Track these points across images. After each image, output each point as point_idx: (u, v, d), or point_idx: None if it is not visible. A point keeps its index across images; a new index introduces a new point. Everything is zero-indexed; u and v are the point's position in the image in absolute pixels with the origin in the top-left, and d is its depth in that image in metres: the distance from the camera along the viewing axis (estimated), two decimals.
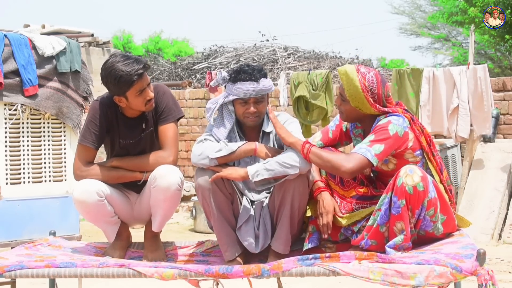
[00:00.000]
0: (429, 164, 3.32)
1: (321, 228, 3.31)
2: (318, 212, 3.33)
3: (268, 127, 3.49)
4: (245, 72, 3.37)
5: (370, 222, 3.19)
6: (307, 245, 3.35)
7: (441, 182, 3.31)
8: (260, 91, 3.38)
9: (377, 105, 3.27)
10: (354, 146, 3.50)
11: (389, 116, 3.25)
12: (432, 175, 3.29)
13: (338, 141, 3.56)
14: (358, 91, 3.24)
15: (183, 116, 3.74)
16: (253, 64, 3.55)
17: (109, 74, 3.42)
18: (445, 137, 7.72)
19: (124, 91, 3.44)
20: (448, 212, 3.22)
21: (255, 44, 13.08)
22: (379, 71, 3.36)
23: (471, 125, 7.33)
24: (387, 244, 3.11)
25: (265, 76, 3.42)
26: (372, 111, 3.28)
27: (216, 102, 3.45)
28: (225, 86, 3.50)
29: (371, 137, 3.19)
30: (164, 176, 3.43)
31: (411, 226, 3.13)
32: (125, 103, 3.50)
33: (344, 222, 3.32)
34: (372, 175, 3.50)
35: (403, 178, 3.07)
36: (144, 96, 3.47)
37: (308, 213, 3.38)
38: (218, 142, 3.40)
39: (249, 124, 3.45)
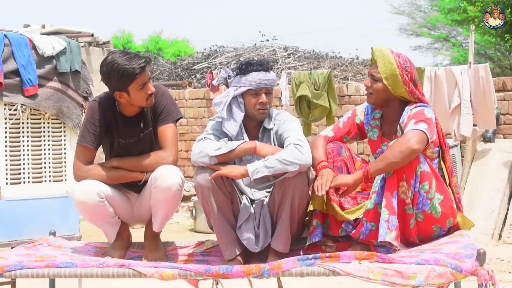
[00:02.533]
0: (442, 163, 3.34)
1: (316, 187, 3.23)
2: (318, 181, 3.25)
3: (269, 124, 3.50)
4: (256, 63, 3.44)
5: (367, 207, 3.20)
6: (311, 239, 3.34)
7: (449, 185, 3.32)
8: (272, 80, 3.44)
9: (410, 83, 3.29)
10: (369, 138, 3.51)
11: (419, 106, 3.29)
12: (443, 176, 3.30)
13: (347, 134, 3.56)
14: (393, 68, 3.28)
15: (182, 117, 3.75)
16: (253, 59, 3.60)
17: (111, 68, 3.43)
18: (448, 135, 7.73)
19: (126, 86, 3.45)
20: (445, 192, 3.23)
21: (255, 44, 13.07)
22: None
23: (474, 124, 7.35)
24: (380, 226, 3.08)
25: (272, 68, 3.48)
26: (403, 91, 3.30)
27: (228, 95, 3.45)
28: (226, 85, 3.51)
29: (412, 121, 3.20)
30: (165, 176, 3.43)
31: (408, 201, 3.13)
32: (126, 98, 3.50)
33: (350, 216, 3.30)
34: None
35: None
36: (145, 90, 3.48)
37: (311, 207, 3.37)
38: (230, 136, 3.40)
39: (259, 117, 3.46)
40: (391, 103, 3.38)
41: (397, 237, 3.10)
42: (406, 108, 3.31)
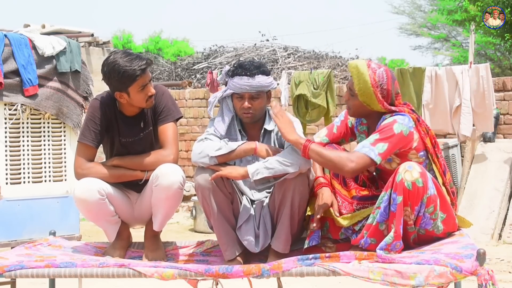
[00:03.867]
0: (433, 165, 3.33)
1: (315, 219, 3.29)
2: (316, 205, 3.32)
3: (269, 125, 3.50)
4: (242, 67, 3.41)
5: (369, 221, 3.19)
6: (308, 243, 3.35)
7: (443, 184, 3.31)
8: (255, 87, 3.39)
9: (385, 102, 3.27)
10: (358, 143, 3.50)
11: (395, 115, 3.25)
12: (435, 177, 3.29)
13: (343, 138, 3.57)
14: (367, 86, 3.24)
15: (182, 117, 3.76)
16: (256, 60, 3.58)
17: (112, 69, 3.43)
18: (444, 137, 7.73)
19: (126, 87, 3.45)
20: (448, 210, 3.22)
21: (255, 44, 13.07)
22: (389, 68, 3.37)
23: (473, 124, 7.35)
24: (378, 246, 3.10)
25: (263, 73, 3.42)
26: (379, 108, 3.28)
27: (216, 96, 3.51)
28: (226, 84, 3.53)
29: (375, 136, 3.19)
30: (166, 174, 3.43)
31: (410, 223, 3.12)
32: (126, 99, 3.51)
33: (345, 222, 3.31)
34: (375, 174, 3.50)
35: (402, 174, 3.07)
36: (145, 92, 3.49)
37: (309, 212, 3.38)
38: (219, 136, 3.42)
39: (245, 120, 3.48)
40: (370, 115, 3.37)
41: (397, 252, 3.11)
42: (383, 117, 3.30)
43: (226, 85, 3.53)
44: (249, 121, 3.48)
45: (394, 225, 3.08)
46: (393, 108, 3.29)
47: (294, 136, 3.26)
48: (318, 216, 3.28)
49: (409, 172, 3.06)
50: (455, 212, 3.31)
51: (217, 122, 3.48)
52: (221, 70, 3.57)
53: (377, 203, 3.18)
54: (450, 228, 3.25)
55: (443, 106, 7.36)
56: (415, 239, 3.21)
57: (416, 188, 3.06)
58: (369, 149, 3.15)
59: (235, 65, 3.47)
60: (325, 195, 3.31)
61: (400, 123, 3.20)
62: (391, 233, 3.08)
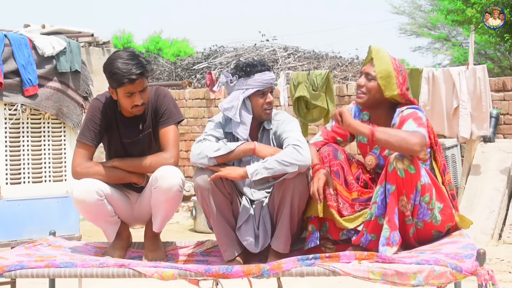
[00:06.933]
0: (434, 163, 3.34)
1: (313, 195, 3.26)
2: (312, 183, 3.28)
3: (268, 124, 3.50)
4: (259, 64, 3.44)
5: (367, 217, 3.20)
6: (308, 245, 3.35)
7: (443, 183, 3.32)
8: (274, 79, 3.49)
9: (403, 86, 3.29)
10: (359, 142, 3.50)
11: (410, 107, 3.27)
12: (435, 175, 3.30)
13: (339, 137, 3.56)
14: (389, 69, 3.28)
15: (183, 119, 3.75)
16: (254, 59, 3.60)
17: (108, 65, 3.46)
18: (445, 137, 7.72)
19: (114, 87, 3.47)
20: (445, 201, 3.22)
21: (255, 44, 13.06)
22: None
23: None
24: (379, 243, 3.10)
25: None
26: (396, 93, 3.28)
27: (237, 98, 3.43)
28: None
29: (410, 121, 3.16)
30: (166, 177, 3.43)
31: (408, 214, 3.12)
32: (116, 97, 3.52)
33: (349, 224, 3.31)
34: (374, 176, 3.49)
35: (394, 163, 3.07)
36: (132, 100, 3.47)
37: (308, 213, 3.37)
38: (237, 139, 3.41)
39: (265, 117, 3.48)
40: (380, 105, 3.37)
41: (398, 249, 3.11)
42: (397, 110, 3.31)
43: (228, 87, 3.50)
44: (269, 118, 3.49)
45: (388, 215, 3.08)
46: (408, 94, 3.31)
47: (365, 128, 3.15)
48: (315, 189, 3.23)
49: (400, 160, 3.06)
50: (455, 211, 3.31)
51: (239, 128, 3.41)
52: (221, 71, 3.53)
53: (373, 198, 3.19)
54: (448, 220, 3.24)
55: (439, 108, 7.34)
56: (414, 234, 3.20)
57: (409, 175, 3.06)
58: (420, 129, 3.11)
59: (246, 64, 3.43)
60: (321, 173, 3.27)
61: (421, 114, 3.23)
62: (385, 224, 3.08)
